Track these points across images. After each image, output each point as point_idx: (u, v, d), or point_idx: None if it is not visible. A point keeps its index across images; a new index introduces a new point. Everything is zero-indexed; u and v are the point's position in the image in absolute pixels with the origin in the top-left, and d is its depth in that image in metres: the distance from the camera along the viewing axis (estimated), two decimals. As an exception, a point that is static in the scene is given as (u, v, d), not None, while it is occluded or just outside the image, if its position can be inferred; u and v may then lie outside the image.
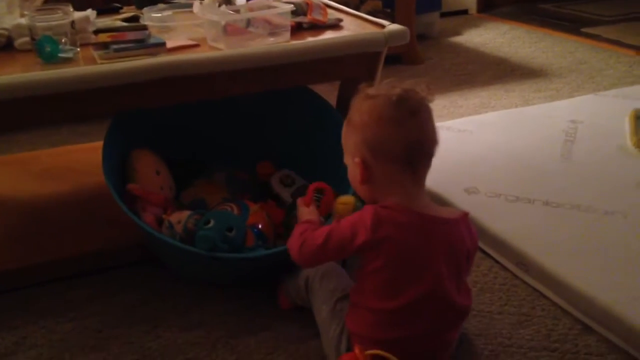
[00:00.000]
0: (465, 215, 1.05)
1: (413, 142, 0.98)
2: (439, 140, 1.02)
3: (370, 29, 1.43)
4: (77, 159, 1.78)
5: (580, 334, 1.20)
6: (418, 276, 0.98)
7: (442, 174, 1.70)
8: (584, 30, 3.28)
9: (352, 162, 1.03)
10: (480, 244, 1.47)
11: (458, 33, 3.34)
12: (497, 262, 1.42)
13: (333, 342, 1.07)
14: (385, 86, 1.03)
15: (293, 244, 1.08)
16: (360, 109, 1.01)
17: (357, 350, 0.97)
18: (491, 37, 3.26)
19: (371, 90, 1.03)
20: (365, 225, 0.96)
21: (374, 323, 1.00)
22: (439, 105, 2.33)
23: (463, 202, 1.56)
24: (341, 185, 1.32)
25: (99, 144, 1.34)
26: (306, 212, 1.17)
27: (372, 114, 0.99)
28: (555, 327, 1.21)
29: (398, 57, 2.80)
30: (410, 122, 0.98)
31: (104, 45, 1.24)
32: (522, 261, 1.36)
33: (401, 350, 0.97)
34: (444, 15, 3.44)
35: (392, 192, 1.00)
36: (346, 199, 1.22)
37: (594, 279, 1.26)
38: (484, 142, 1.93)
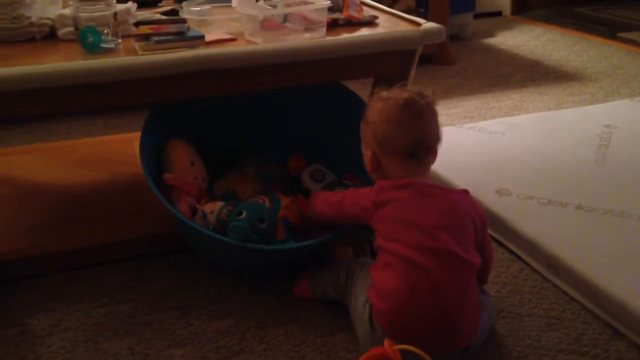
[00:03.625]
0: (465, 191, 1.17)
1: (415, 141, 1.13)
2: (441, 137, 1.17)
3: (405, 27, 1.43)
4: (113, 149, 1.82)
5: (610, 339, 1.19)
6: (418, 225, 1.08)
7: (473, 175, 1.71)
8: (620, 34, 3.24)
9: (365, 153, 1.20)
10: (511, 246, 1.46)
11: (491, 35, 3.32)
12: (527, 264, 1.41)
13: (359, 312, 1.11)
14: (397, 90, 1.18)
15: (314, 205, 1.29)
16: (373, 109, 1.18)
17: (386, 345, 0.97)
18: (525, 39, 3.23)
19: (384, 93, 1.18)
20: (372, 192, 1.15)
21: (388, 277, 1.07)
22: (470, 106, 2.33)
23: (494, 203, 1.56)
24: (369, 180, 1.34)
25: (134, 134, 1.37)
26: None
27: (382, 115, 1.15)
28: (586, 332, 1.20)
29: (430, 57, 2.79)
30: (414, 124, 1.13)
31: (145, 37, 1.26)
32: (553, 264, 1.35)
33: (412, 305, 1.03)
34: (477, 16, 3.42)
35: (400, 174, 1.15)
36: None
37: (625, 284, 1.25)
38: (516, 144, 1.91)
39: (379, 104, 1.17)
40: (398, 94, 1.16)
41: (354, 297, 1.15)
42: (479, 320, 1.10)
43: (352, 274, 1.18)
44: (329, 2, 1.40)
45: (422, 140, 1.14)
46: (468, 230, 1.11)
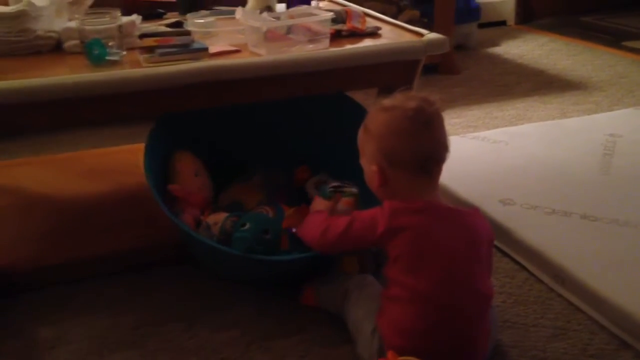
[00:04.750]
0: (476, 210, 1.10)
1: (426, 153, 1.06)
2: (449, 146, 1.09)
3: (408, 38, 1.44)
4: (118, 160, 1.83)
5: (617, 349, 1.18)
6: (438, 260, 1.01)
7: (477, 185, 1.71)
8: (624, 43, 3.24)
9: (369, 168, 1.11)
10: (516, 256, 1.46)
11: (496, 44, 3.33)
12: (532, 274, 1.40)
13: (367, 341, 1.08)
14: (400, 97, 1.10)
15: (311, 231, 1.16)
16: (377, 120, 1.10)
17: (389, 356, 0.97)
18: (529, 48, 3.23)
19: (387, 102, 1.10)
20: (383, 215, 1.05)
21: (401, 314, 1.02)
22: (474, 116, 2.33)
23: (498, 213, 1.56)
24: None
25: (139, 146, 1.37)
26: (319, 204, 1.26)
27: (389, 127, 1.07)
28: (592, 342, 1.20)
29: (435, 66, 2.80)
30: (424, 134, 1.06)
31: (150, 49, 1.28)
32: (559, 274, 1.35)
33: (430, 343, 1.00)
34: (482, 26, 3.43)
35: (408, 193, 1.08)
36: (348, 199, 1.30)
37: (632, 294, 1.24)
38: (520, 154, 1.91)
39: (384, 115, 1.09)
40: (404, 102, 1.08)
41: (354, 322, 1.14)
42: (488, 341, 1.09)
43: (348, 295, 1.17)
44: (332, 13, 1.42)
45: (433, 152, 1.07)
46: (486, 259, 1.08)
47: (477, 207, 1.13)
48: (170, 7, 1.71)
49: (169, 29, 1.47)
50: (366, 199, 1.44)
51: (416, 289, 1.01)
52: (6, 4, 1.40)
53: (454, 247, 1.03)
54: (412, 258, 1.02)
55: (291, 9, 1.50)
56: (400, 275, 1.03)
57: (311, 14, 1.42)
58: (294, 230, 1.37)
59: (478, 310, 1.04)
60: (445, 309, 1.01)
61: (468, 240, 1.04)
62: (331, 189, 1.35)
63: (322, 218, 1.16)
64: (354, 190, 1.34)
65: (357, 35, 1.46)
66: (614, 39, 3.33)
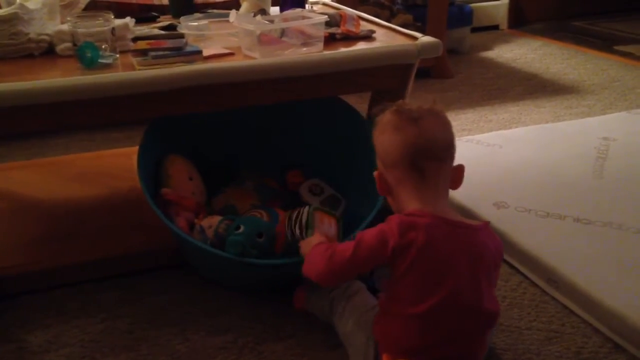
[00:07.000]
0: (486, 224, 1.05)
1: (415, 146, 1.00)
2: (454, 145, 1.04)
3: (402, 41, 1.44)
4: (110, 164, 1.82)
5: (610, 352, 1.18)
6: (443, 278, 0.98)
7: (471, 188, 1.70)
8: (616, 48, 3.26)
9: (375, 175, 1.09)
10: (510, 259, 1.46)
11: (489, 48, 3.34)
12: (526, 277, 1.40)
13: (361, 351, 1.07)
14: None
15: (316, 263, 1.07)
16: (374, 130, 1.09)
17: (385, 359, 0.97)
18: (522, 52, 3.25)
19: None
20: (392, 231, 0.98)
21: (402, 330, 1.00)
22: (468, 119, 2.33)
23: (492, 216, 1.56)
24: (368, 195, 1.33)
25: (131, 149, 1.37)
26: (307, 242, 1.18)
27: (378, 127, 1.07)
28: (585, 345, 1.20)
29: (428, 70, 2.81)
30: (410, 127, 1.01)
31: (143, 52, 1.27)
32: (553, 277, 1.35)
33: (429, 358, 0.97)
34: (474, 30, 3.45)
35: (411, 199, 1.02)
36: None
37: (625, 297, 1.25)
38: (513, 157, 1.92)
39: (378, 124, 1.07)
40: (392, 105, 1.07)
41: (343, 335, 1.14)
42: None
43: (335, 307, 1.17)
44: (326, 16, 1.41)
45: (424, 147, 1.00)
46: (494, 277, 1.05)
47: (488, 221, 1.07)
48: (163, 10, 1.70)
49: (162, 32, 1.47)
50: (360, 203, 1.45)
51: (419, 309, 0.97)
52: (-2, 7, 1.40)
53: (460, 266, 0.98)
54: (417, 277, 0.97)
55: (285, 12, 1.50)
56: (404, 293, 0.99)
57: (305, 17, 1.42)
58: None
59: (483, 328, 1.02)
60: (448, 329, 0.98)
61: (475, 258, 1.00)
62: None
63: (323, 248, 1.08)
64: (306, 208, 1.31)
65: (351, 38, 1.46)
66: (605, 43, 3.35)
